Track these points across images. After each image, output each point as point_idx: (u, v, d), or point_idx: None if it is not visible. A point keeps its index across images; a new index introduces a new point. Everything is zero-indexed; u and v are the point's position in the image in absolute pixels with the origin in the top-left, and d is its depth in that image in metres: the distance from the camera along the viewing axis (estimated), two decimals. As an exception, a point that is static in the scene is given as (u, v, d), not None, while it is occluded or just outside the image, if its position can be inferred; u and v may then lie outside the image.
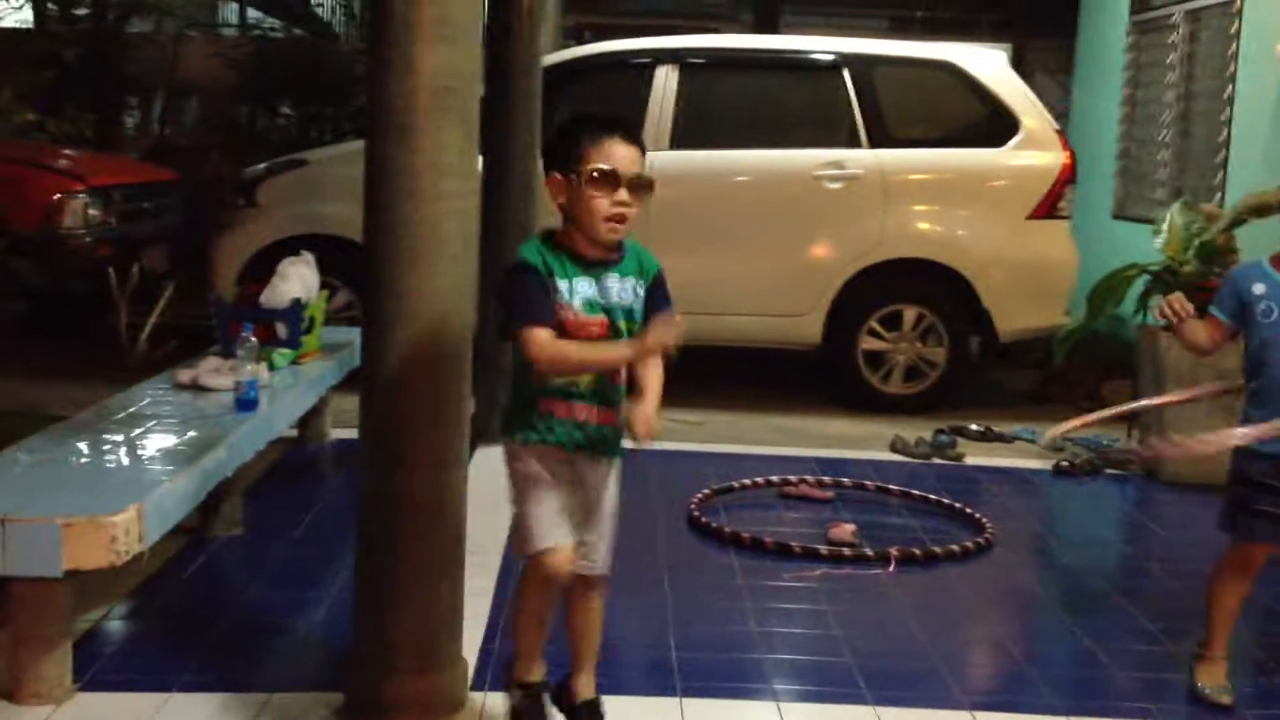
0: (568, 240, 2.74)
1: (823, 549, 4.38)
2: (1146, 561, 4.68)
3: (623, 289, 2.75)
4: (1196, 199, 6.76)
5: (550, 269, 2.68)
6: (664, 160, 6.74)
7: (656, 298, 2.81)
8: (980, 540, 4.58)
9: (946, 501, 5.04)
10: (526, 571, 2.87)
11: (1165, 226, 5.92)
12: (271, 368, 4.54)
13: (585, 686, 2.97)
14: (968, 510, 4.94)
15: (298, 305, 4.80)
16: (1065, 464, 5.80)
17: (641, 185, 2.71)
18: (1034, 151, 6.82)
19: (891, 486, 5.21)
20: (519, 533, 2.81)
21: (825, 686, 3.38)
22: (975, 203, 6.81)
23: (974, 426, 6.41)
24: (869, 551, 4.39)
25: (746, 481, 5.13)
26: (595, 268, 2.72)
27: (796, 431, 6.28)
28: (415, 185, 2.84)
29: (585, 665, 2.97)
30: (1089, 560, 4.67)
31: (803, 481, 5.17)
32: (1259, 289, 3.28)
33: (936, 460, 5.86)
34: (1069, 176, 6.81)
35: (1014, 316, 6.80)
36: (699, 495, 4.86)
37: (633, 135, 2.73)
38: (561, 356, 2.65)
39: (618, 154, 2.67)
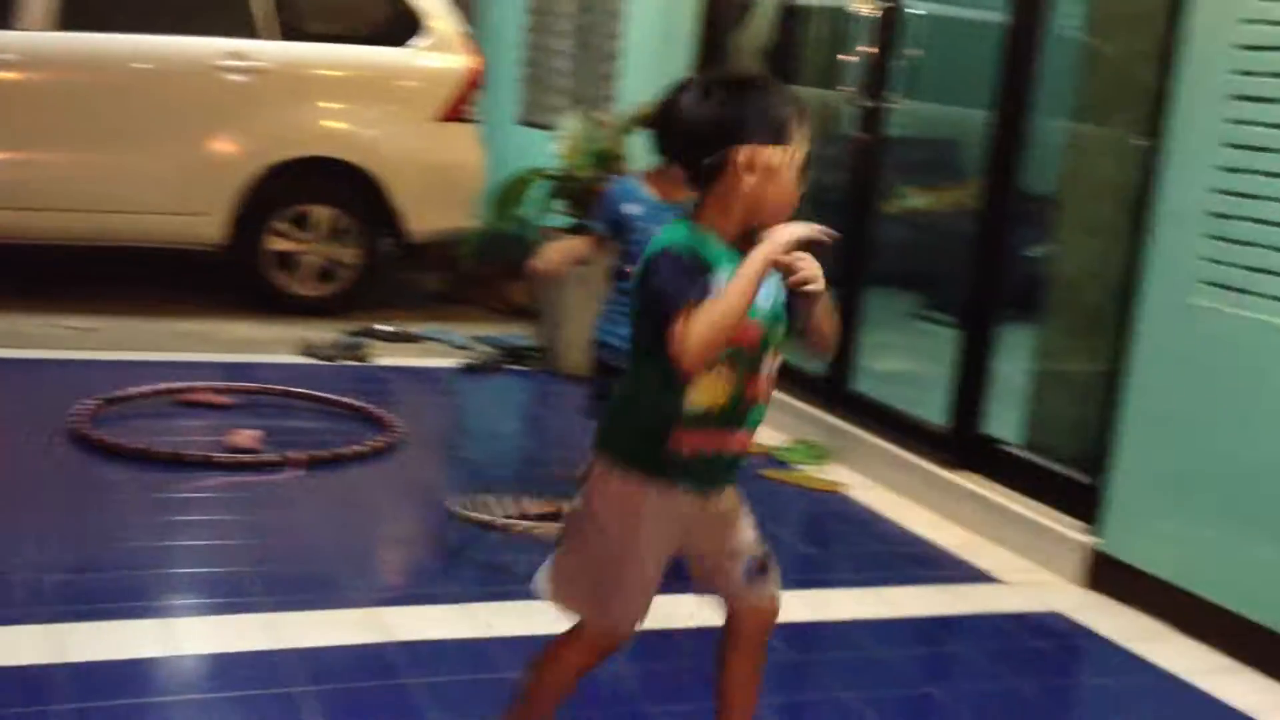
0: (718, 226, 2.17)
1: (219, 456, 4.20)
2: (544, 450, 4.91)
3: (769, 284, 2.18)
4: (593, 108, 7.11)
5: (709, 259, 2.11)
6: (47, 43, 6.13)
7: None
8: (388, 440, 4.61)
9: (354, 403, 5.01)
10: (579, 632, 2.32)
11: (563, 134, 6.17)
12: None
13: None
14: (376, 411, 4.94)
15: None
16: (472, 362, 5.96)
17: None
18: (442, 54, 6.86)
19: (297, 390, 5.10)
20: (590, 587, 2.27)
21: (221, 598, 3.26)
22: (384, 102, 6.75)
23: (386, 328, 6.42)
24: (271, 457, 4.28)
25: (138, 390, 4.82)
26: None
27: (199, 336, 5.98)
28: None
29: None
30: (492, 453, 4.83)
31: (201, 388, 4.93)
32: (633, 209, 3.46)
33: (347, 362, 5.81)
34: (477, 81, 6.92)
35: (424, 218, 6.83)
36: (84, 407, 4.49)
37: None
38: (708, 323, 2.02)
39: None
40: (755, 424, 2.24)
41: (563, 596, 2.30)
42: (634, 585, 2.24)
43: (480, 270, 7.42)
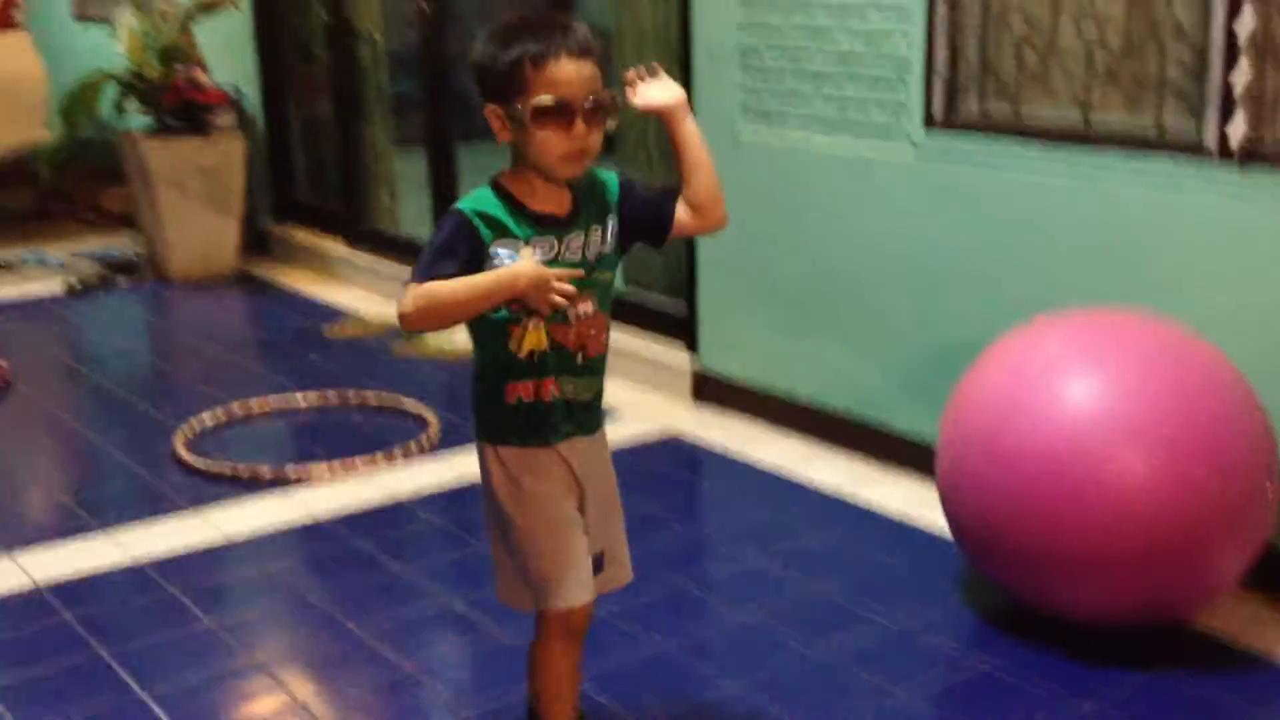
0: (522, 189, 2.08)
1: None
2: (162, 361, 4.87)
3: (593, 240, 2.13)
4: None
5: (492, 231, 2.04)
6: None
7: (632, 203, 2.19)
8: (-5, 383, 4.48)
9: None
10: (548, 629, 2.19)
11: (121, 29, 5.90)
12: None
13: None
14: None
15: None
16: (75, 284, 5.76)
17: (603, 110, 2.04)
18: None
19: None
20: (530, 576, 2.16)
21: None
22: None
23: (-25, 258, 6.12)
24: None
25: None
26: (555, 227, 2.09)
27: None
28: None
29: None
30: (115, 374, 4.76)
31: None
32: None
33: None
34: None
35: (-9, 136, 6.48)
36: None
37: (584, 46, 2.03)
38: (428, 300, 1.97)
39: (568, 77, 2.00)
40: (583, 371, 2.15)
41: (510, 596, 2.23)
42: (556, 549, 2.14)
43: (69, 183, 7.10)
